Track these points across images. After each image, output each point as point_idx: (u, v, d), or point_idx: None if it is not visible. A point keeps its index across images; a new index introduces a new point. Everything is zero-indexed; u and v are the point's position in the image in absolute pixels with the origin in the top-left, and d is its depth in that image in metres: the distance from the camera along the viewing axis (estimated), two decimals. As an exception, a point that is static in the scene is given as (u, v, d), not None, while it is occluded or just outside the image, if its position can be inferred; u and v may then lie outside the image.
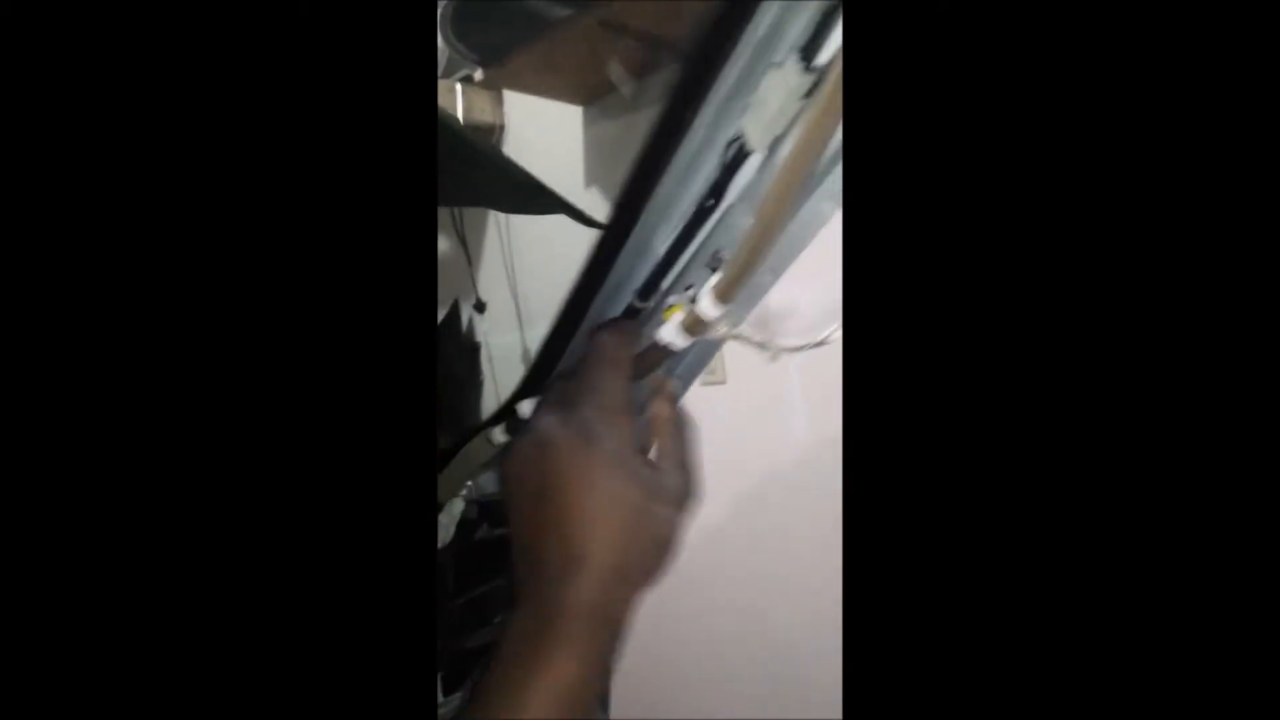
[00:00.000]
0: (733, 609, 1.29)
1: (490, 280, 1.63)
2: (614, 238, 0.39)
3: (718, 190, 0.33)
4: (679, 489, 0.34)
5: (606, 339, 0.35)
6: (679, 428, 0.37)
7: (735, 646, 1.29)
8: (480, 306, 1.60)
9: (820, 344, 0.33)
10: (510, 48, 1.18)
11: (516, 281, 1.56)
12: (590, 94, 1.34)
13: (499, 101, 1.52)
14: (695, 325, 0.33)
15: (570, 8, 1.11)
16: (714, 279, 0.31)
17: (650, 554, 0.32)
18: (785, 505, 1.19)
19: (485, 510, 0.54)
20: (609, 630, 0.31)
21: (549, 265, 1.48)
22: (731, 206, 0.34)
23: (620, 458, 0.32)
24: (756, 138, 0.30)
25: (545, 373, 0.44)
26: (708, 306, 0.31)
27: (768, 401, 1.15)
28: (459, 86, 1.41)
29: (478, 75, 1.29)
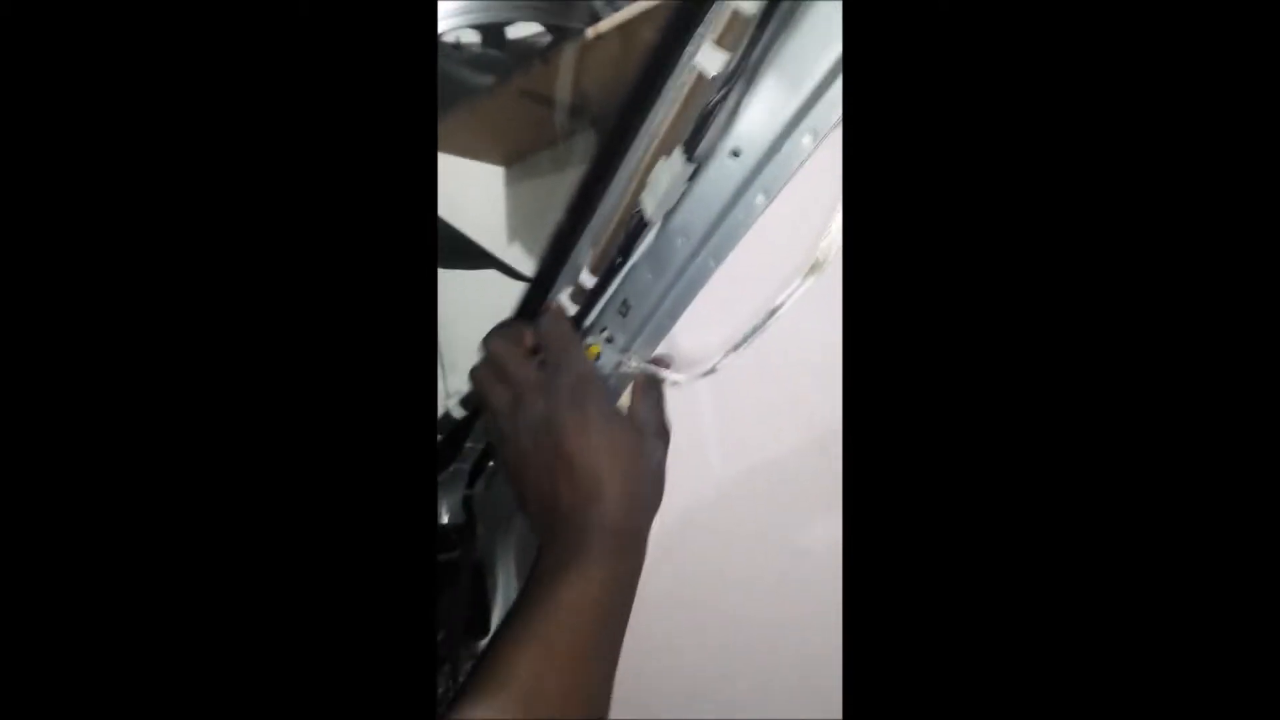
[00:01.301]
0: (660, 651, 1.33)
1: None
2: (540, 288, 0.46)
3: (624, 251, 0.41)
4: (657, 424, 0.42)
5: (551, 324, 0.42)
6: (649, 385, 0.44)
7: (661, 695, 1.32)
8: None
9: (711, 371, 0.41)
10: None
11: (443, 338, 1.61)
12: (512, 156, 1.42)
13: (423, 161, 1.58)
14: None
15: (491, 76, 1.20)
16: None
17: (649, 482, 0.39)
18: (708, 542, 1.25)
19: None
20: (631, 551, 0.37)
21: (469, 314, 1.52)
22: (635, 264, 0.41)
23: (607, 411, 0.39)
24: (651, 211, 0.38)
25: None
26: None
27: (682, 441, 1.23)
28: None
29: (403, 137, 1.35)
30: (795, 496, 1.06)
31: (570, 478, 0.37)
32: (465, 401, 0.51)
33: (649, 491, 0.39)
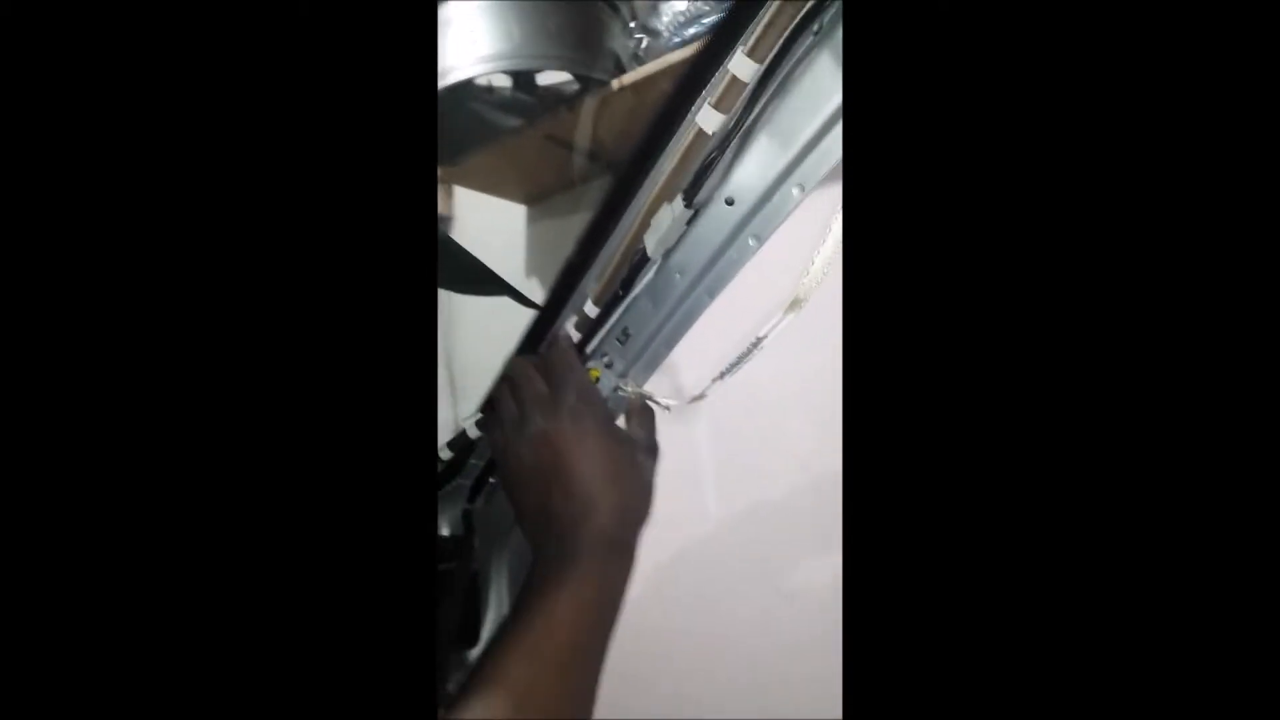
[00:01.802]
0: (649, 684, 1.33)
1: (429, 358, 1.71)
2: (548, 316, 0.50)
3: (626, 284, 0.45)
4: (648, 442, 0.44)
5: (558, 350, 0.45)
6: (641, 407, 0.46)
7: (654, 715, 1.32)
8: (418, 382, 1.67)
9: (700, 398, 0.44)
10: (465, 149, 1.32)
11: (453, 360, 1.65)
12: (534, 196, 1.48)
13: (449, 195, 1.65)
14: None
15: (520, 119, 1.26)
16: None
17: (641, 494, 0.41)
18: (700, 579, 1.26)
19: (424, 547, 0.62)
20: (621, 561, 0.38)
21: (483, 347, 1.57)
22: (636, 296, 0.45)
23: (604, 428, 0.41)
24: (653, 249, 0.42)
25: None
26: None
27: (678, 477, 1.25)
28: (413, 179, 1.53)
29: (432, 171, 1.41)
30: (787, 538, 1.08)
31: (567, 489, 0.39)
32: (482, 423, 0.54)
33: (640, 504, 0.41)
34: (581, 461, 0.39)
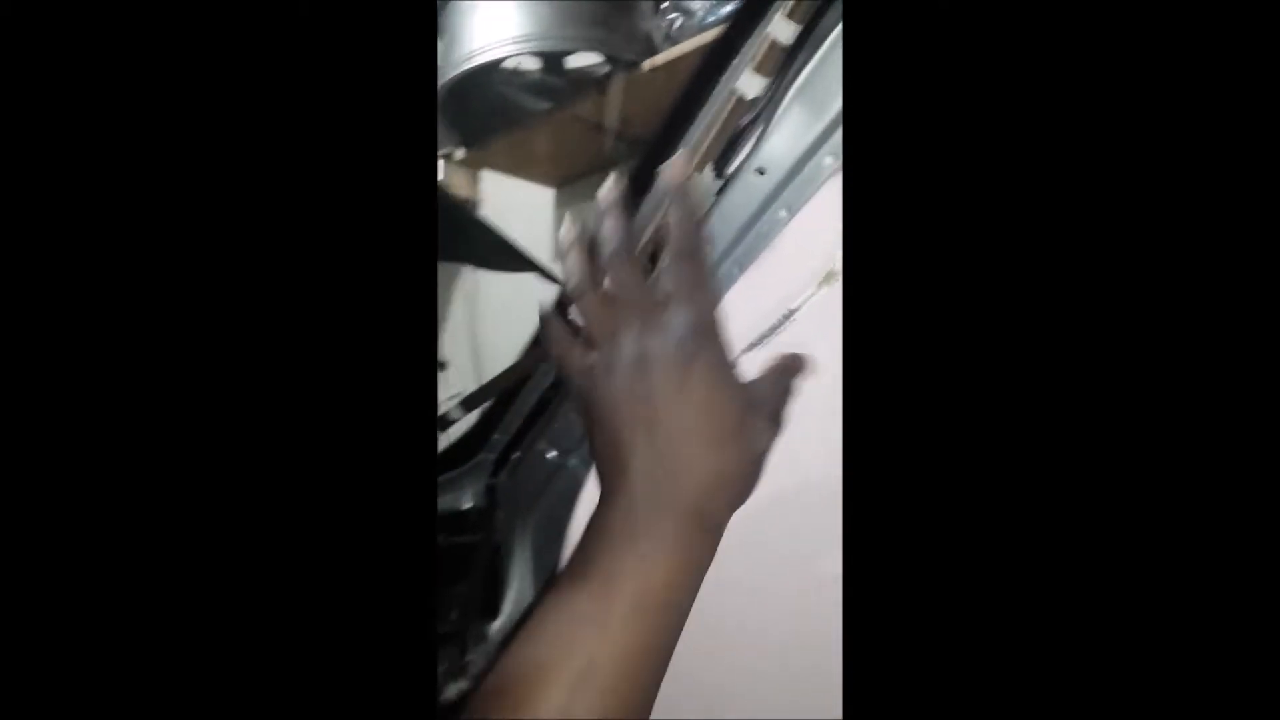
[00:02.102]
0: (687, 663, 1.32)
1: (454, 341, 1.72)
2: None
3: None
4: (774, 409, 0.34)
5: (684, 259, 0.32)
6: (784, 370, 0.35)
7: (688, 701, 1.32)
8: (442, 365, 1.68)
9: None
10: (492, 132, 1.32)
11: (478, 343, 1.66)
12: (562, 178, 1.48)
13: (475, 179, 1.65)
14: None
15: (548, 102, 1.26)
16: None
17: (746, 466, 0.32)
18: (746, 557, 1.25)
19: (444, 521, 0.62)
20: (704, 538, 0.31)
21: (509, 328, 1.57)
22: (665, 269, 0.45)
23: (717, 372, 0.32)
24: (682, 219, 0.41)
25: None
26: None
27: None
28: (440, 162, 1.54)
29: (459, 154, 1.41)
30: (825, 521, 1.06)
31: (651, 435, 0.31)
32: (467, 403, 0.54)
33: (743, 476, 0.32)
34: (679, 410, 0.31)
